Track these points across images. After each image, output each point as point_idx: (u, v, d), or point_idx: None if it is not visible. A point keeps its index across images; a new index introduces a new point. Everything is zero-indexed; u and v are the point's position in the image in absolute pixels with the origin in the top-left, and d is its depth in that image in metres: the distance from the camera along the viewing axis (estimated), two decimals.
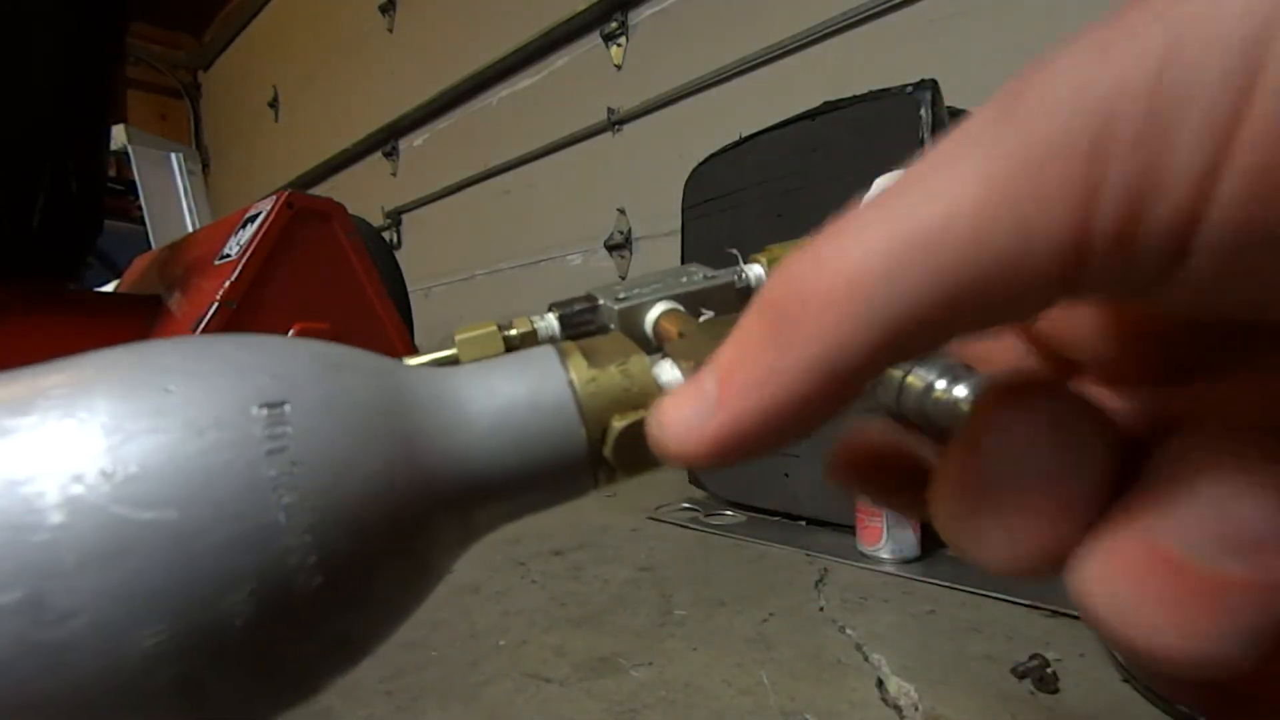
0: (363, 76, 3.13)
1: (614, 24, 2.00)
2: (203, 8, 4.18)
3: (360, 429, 0.13)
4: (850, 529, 0.94)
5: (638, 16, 1.97)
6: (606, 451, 0.16)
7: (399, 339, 1.15)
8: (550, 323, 0.24)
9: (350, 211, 1.15)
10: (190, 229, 1.93)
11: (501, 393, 0.16)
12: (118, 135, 1.83)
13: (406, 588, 0.15)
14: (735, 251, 0.28)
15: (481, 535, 0.16)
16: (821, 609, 0.74)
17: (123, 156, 1.94)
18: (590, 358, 0.17)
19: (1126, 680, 0.55)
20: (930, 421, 0.16)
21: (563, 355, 0.17)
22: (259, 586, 0.12)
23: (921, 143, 0.94)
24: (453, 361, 0.23)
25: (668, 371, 0.17)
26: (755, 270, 0.26)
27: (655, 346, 0.23)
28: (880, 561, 0.86)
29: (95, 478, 0.11)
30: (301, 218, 1.04)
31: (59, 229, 0.96)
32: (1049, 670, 0.57)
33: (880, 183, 0.29)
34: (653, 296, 0.24)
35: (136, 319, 1.03)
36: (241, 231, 1.02)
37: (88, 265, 1.17)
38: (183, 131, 4.60)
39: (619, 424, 0.16)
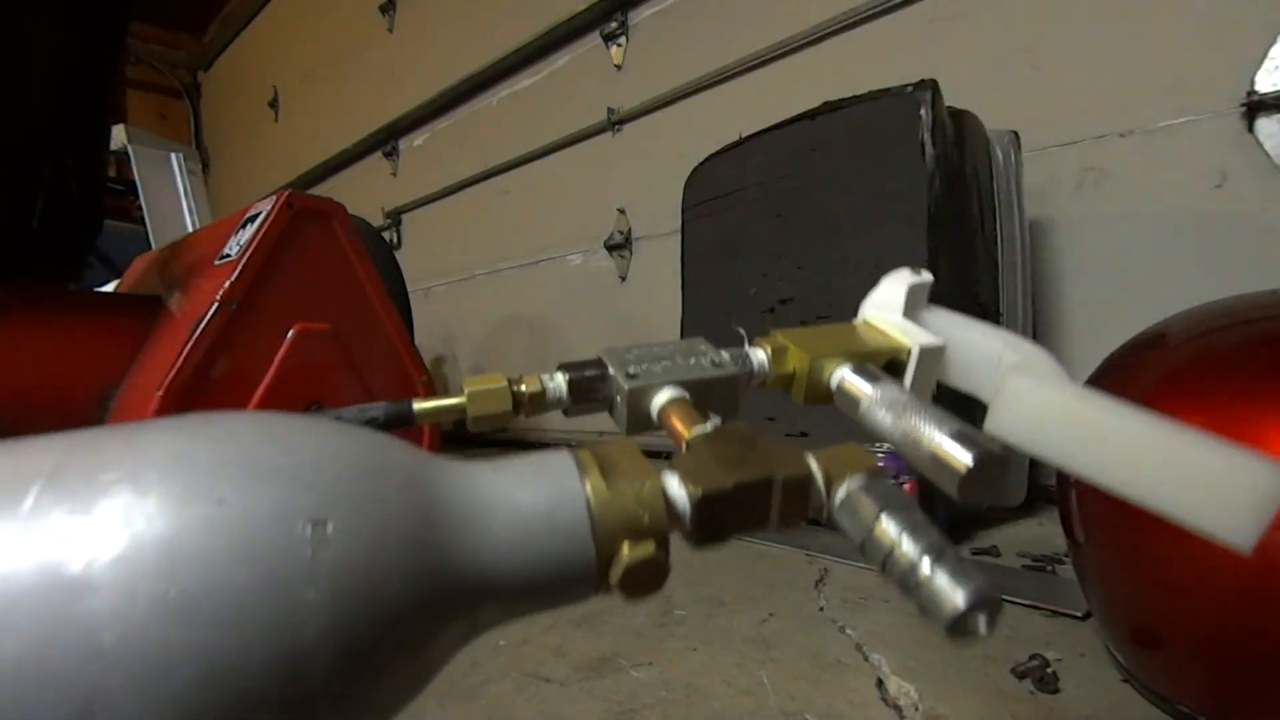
0: (363, 76, 3.13)
1: (614, 24, 2.00)
2: (203, 8, 4.17)
3: (394, 546, 0.14)
4: None
5: (638, 16, 1.97)
6: (613, 579, 0.17)
7: (399, 339, 1.15)
8: (559, 384, 0.24)
9: (350, 211, 1.15)
10: (190, 229, 1.93)
11: (523, 506, 0.16)
12: (118, 135, 1.83)
13: (411, 685, 0.16)
14: (742, 331, 0.29)
15: (481, 634, 0.17)
16: (821, 609, 0.74)
17: (123, 156, 1.94)
18: (607, 475, 0.17)
19: (1126, 680, 0.55)
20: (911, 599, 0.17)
21: (581, 469, 0.17)
22: (283, 712, 0.12)
23: (921, 143, 0.94)
24: (460, 412, 0.23)
25: (675, 489, 0.18)
26: (759, 356, 0.27)
27: (657, 426, 0.24)
28: None
29: (147, 600, 0.12)
30: (301, 218, 1.04)
31: (59, 229, 0.96)
32: (1049, 670, 0.57)
33: (887, 280, 0.29)
34: (661, 380, 0.24)
35: (136, 319, 1.03)
36: (241, 231, 1.02)
37: (88, 265, 1.17)
38: (183, 131, 4.60)
39: (628, 556, 0.17)
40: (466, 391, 0.24)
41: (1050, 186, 1.22)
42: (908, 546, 0.17)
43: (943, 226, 0.93)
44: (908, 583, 0.17)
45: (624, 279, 2.03)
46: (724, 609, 0.75)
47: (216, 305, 0.93)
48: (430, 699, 0.59)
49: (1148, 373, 0.53)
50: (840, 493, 0.20)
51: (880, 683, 0.57)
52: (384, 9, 2.94)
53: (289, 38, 3.70)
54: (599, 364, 0.25)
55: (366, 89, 3.09)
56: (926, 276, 0.29)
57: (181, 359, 0.90)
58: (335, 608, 0.13)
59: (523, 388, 0.24)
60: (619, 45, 2.01)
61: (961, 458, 0.20)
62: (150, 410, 0.87)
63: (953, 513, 0.93)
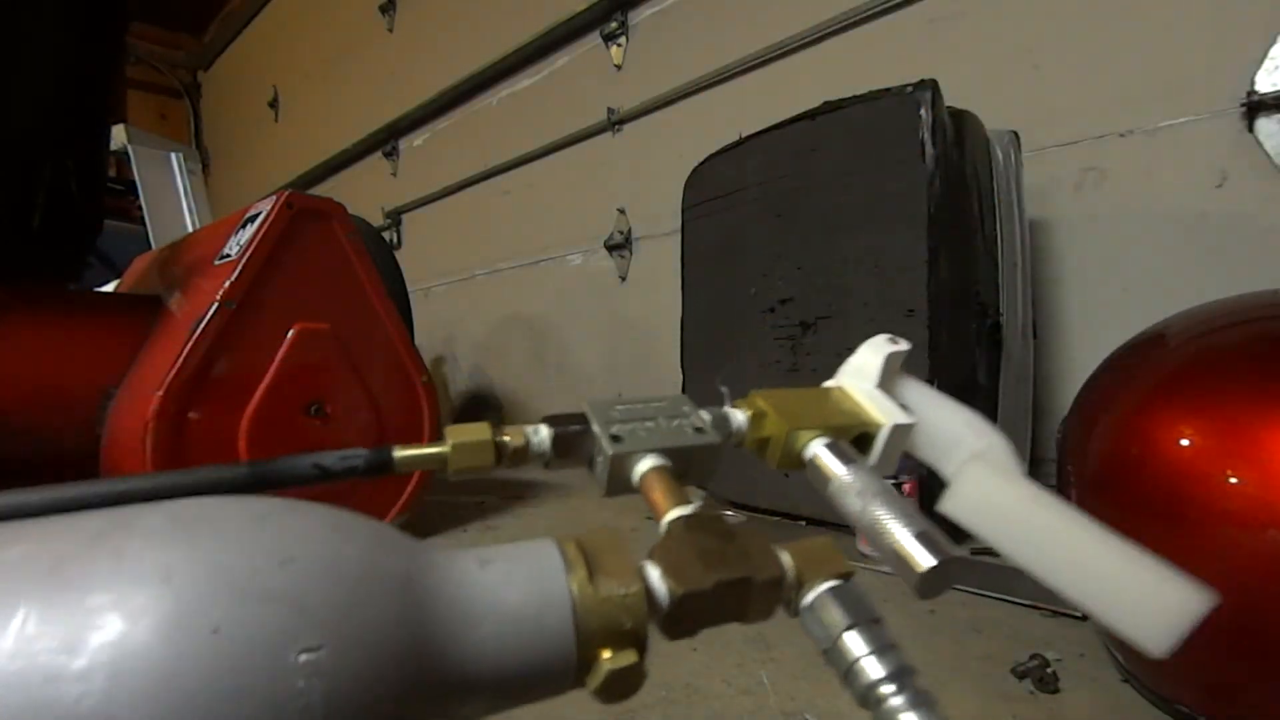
0: (363, 76, 3.13)
1: (614, 24, 2.00)
2: (203, 8, 4.17)
3: (386, 667, 0.14)
4: (850, 529, 0.94)
5: (638, 16, 1.97)
6: (592, 685, 0.17)
7: (399, 339, 1.15)
8: (543, 438, 0.25)
9: (350, 211, 1.15)
10: (190, 229, 1.93)
11: (510, 609, 0.17)
12: (118, 135, 1.83)
13: None
14: (724, 390, 0.30)
15: None
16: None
17: (123, 156, 1.94)
18: (593, 573, 0.18)
19: (1126, 680, 0.55)
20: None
21: (568, 567, 0.18)
22: None
23: (921, 143, 0.94)
24: (442, 461, 0.23)
25: (657, 582, 0.19)
26: (738, 419, 0.28)
27: (637, 490, 0.24)
28: (880, 562, 0.86)
29: None
30: (301, 218, 1.04)
31: (59, 229, 0.96)
32: (1049, 670, 0.57)
33: (866, 347, 0.30)
34: (644, 446, 0.24)
35: (136, 319, 1.03)
36: (241, 231, 1.02)
37: (88, 265, 1.17)
38: (183, 131, 4.60)
39: (608, 665, 0.17)
40: (450, 443, 0.23)
41: (1050, 186, 1.22)
42: (869, 666, 0.18)
43: (943, 226, 0.93)
44: (868, 700, 0.18)
45: (624, 279, 2.03)
46: None
47: (216, 305, 0.93)
48: None
49: (1148, 373, 0.53)
50: (809, 596, 0.20)
51: None
52: (384, 9, 2.94)
53: (289, 38, 3.70)
54: (583, 419, 0.25)
55: (366, 89, 3.09)
56: (904, 345, 0.30)
57: (181, 359, 0.90)
58: None
59: (506, 439, 0.24)
60: (619, 45, 2.01)
61: (922, 560, 0.21)
62: (150, 410, 0.87)
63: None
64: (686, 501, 0.22)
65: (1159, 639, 0.22)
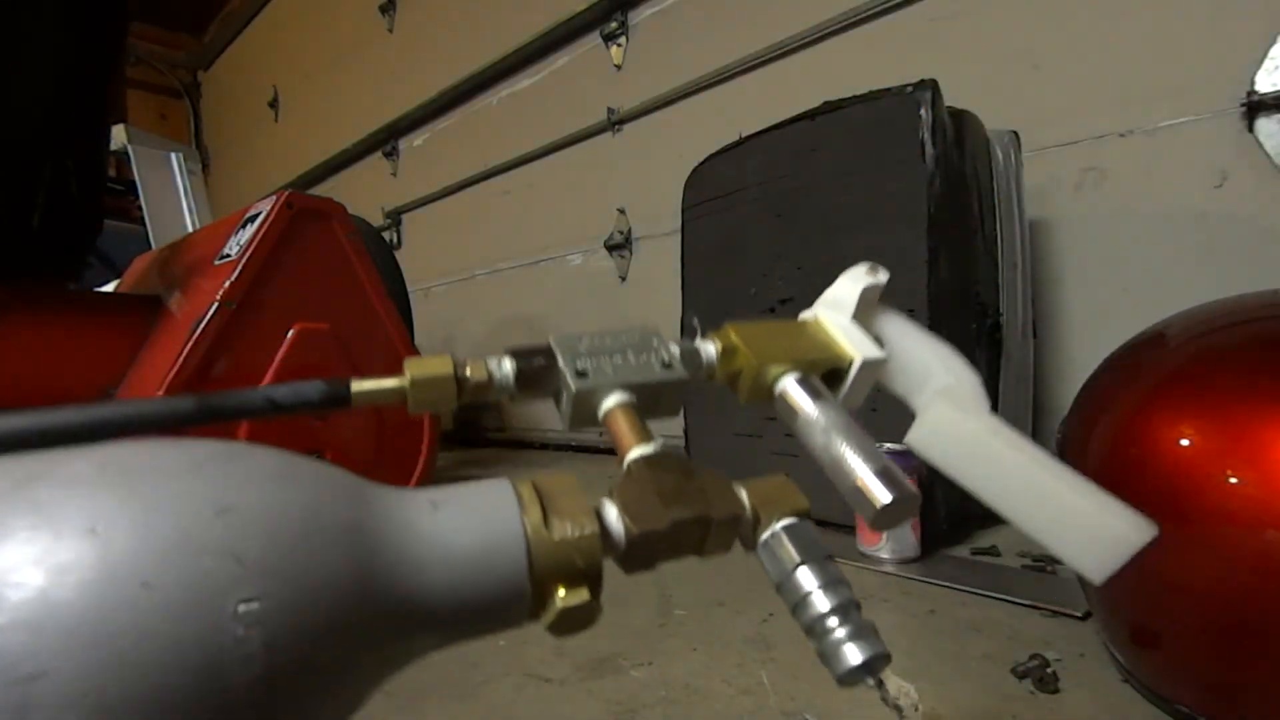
0: (363, 76, 3.13)
1: (614, 24, 2.00)
2: (203, 8, 4.17)
3: (329, 612, 0.14)
4: (850, 529, 0.94)
5: (638, 16, 1.97)
6: (545, 622, 0.18)
7: (399, 339, 1.15)
8: (507, 372, 0.24)
9: (350, 211, 1.15)
10: (190, 229, 1.93)
11: (462, 550, 0.16)
12: (118, 135, 1.83)
13: (341, 715, 0.15)
14: (696, 323, 0.29)
15: (414, 660, 0.17)
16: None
17: (123, 156, 1.94)
18: (547, 514, 0.18)
19: (1126, 680, 0.55)
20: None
21: (522, 507, 0.18)
22: None
23: (921, 143, 0.94)
24: (401, 396, 0.22)
25: (614, 521, 0.19)
26: (709, 351, 0.27)
27: (601, 425, 0.24)
28: (880, 561, 0.86)
29: (66, 696, 0.11)
30: (301, 218, 1.04)
31: (59, 229, 0.96)
32: (1049, 670, 0.57)
33: (845, 277, 0.30)
34: (610, 382, 0.24)
35: (136, 319, 1.03)
36: (241, 231, 1.02)
37: (88, 265, 1.17)
38: (183, 131, 4.60)
39: (562, 601, 0.17)
40: (409, 375, 0.22)
41: (1050, 186, 1.22)
42: (817, 599, 0.19)
43: (943, 226, 0.93)
44: (813, 630, 0.19)
45: (624, 279, 2.03)
46: (724, 609, 0.75)
47: (216, 305, 0.93)
48: (430, 699, 0.59)
49: (1148, 373, 0.53)
50: (765, 534, 0.21)
51: (880, 683, 0.57)
52: (384, 9, 2.94)
53: (289, 38, 3.70)
54: (548, 352, 0.25)
55: (366, 89, 3.09)
56: (882, 277, 0.30)
57: (181, 359, 0.90)
58: (269, 686, 0.12)
59: (468, 373, 0.23)
60: (619, 45, 2.01)
61: (880, 495, 0.22)
62: None
63: (952, 512, 0.93)
64: (650, 439, 0.22)
65: (1098, 567, 0.23)
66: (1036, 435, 1.13)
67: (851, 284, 0.30)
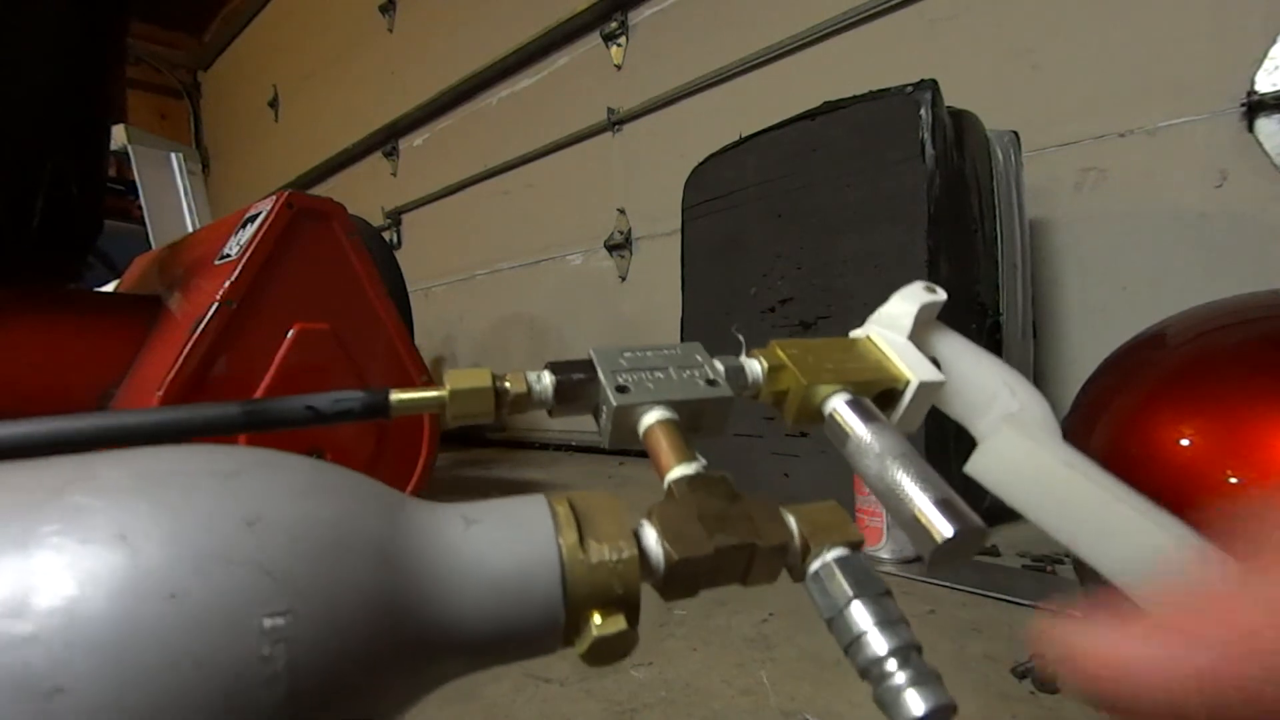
0: (363, 76, 3.13)
1: (614, 24, 2.00)
2: (203, 8, 4.17)
3: (357, 632, 0.14)
4: None
5: (638, 16, 1.97)
6: (580, 649, 0.17)
7: (399, 339, 1.15)
8: (546, 385, 0.24)
9: (350, 211, 1.15)
10: (190, 229, 1.93)
11: (496, 571, 0.16)
12: (118, 135, 1.83)
13: None
14: (741, 337, 0.28)
15: (441, 685, 0.17)
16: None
17: (123, 156, 1.94)
18: (584, 535, 0.17)
19: None
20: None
21: (558, 528, 0.17)
22: None
23: (921, 143, 0.94)
24: (440, 405, 0.22)
25: (653, 545, 0.18)
26: (754, 369, 0.26)
27: (641, 443, 0.23)
28: (880, 562, 0.86)
29: (88, 712, 0.11)
30: (301, 218, 1.04)
31: (59, 229, 0.96)
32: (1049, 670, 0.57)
33: (899, 296, 0.29)
34: (651, 398, 0.23)
35: (136, 319, 1.03)
36: (241, 231, 1.02)
37: (88, 265, 1.17)
38: (183, 131, 4.60)
39: (598, 629, 0.16)
40: (449, 387, 0.22)
41: (1050, 186, 1.22)
42: (874, 640, 0.18)
43: (943, 226, 0.93)
44: (869, 674, 0.18)
45: (624, 279, 2.03)
46: (724, 609, 0.75)
47: (216, 305, 0.93)
48: (430, 699, 0.59)
49: (1148, 373, 0.53)
50: (815, 564, 0.20)
51: None
52: (384, 9, 2.94)
53: (289, 38, 3.70)
54: (589, 366, 0.24)
55: (366, 89, 3.09)
56: (940, 295, 0.29)
57: (181, 359, 0.90)
58: (294, 709, 0.12)
59: (508, 385, 0.23)
60: (619, 45, 2.01)
61: (942, 528, 0.20)
62: None
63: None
64: (692, 459, 0.21)
65: None
66: None
67: (906, 303, 0.28)
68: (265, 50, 3.93)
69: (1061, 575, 0.80)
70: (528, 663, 0.59)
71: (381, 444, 1.10)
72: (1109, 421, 0.53)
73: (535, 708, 0.57)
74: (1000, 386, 0.27)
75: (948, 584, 0.79)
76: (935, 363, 0.27)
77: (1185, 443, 0.45)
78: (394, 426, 1.10)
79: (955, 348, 0.29)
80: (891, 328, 0.28)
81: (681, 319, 1.34)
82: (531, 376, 0.24)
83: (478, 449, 2.32)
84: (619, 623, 0.17)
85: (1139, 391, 0.52)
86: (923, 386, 0.26)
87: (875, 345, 0.28)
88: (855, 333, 0.29)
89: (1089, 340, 1.19)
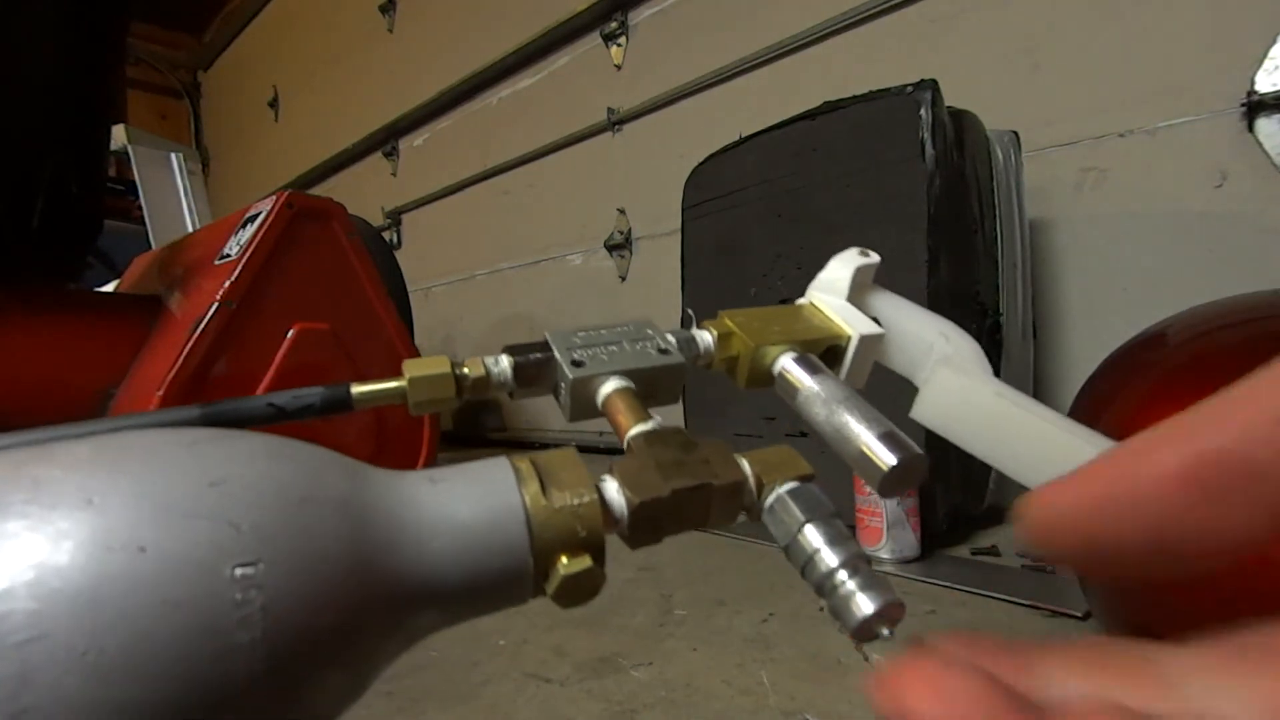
0: (363, 76, 3.13)
1: (614, 24, 2.00)
2: (203, 8, 4.17)
3: (327, 578, 0.14)
4: (850, 529, 0.94)
5: (638, 16, 1.97)
6: (549, 590, 0.17)
7: (399, 339, 1.15)
8: (504, 368, 0.24)
9: (350, 211, 1.15)
10: (190, 229, 1.93)
11: (461, 521, 0.17)
12: (118, 135, 1.83)
13: (349, 696, 0.15)
14: (690, 311, 0.29)
15: (418, 640, 0.17)
16: (821, 609, 0.74)
17: (123, 156, 1.94)
18: (546, 486, 0.18)
19: None
20: (829, 609, 0.18)
21: (520, 481, 0.18)
22: None
23: (921, 143, 0.94)
24: (401, 395, 0.23)
25: (614, 494, 0.19)
26: (705, 339, 0.27)
27: (601, 413, 0.24)
28: (880, 562, 0.87)
29: (63, 662, 0.11)
30: (301, 218, 1.04)
31: (59, 229, 0.96)
32: None
33: (835, 261, 0.31)
34: (606, 369, 0.24)
35: (136, 319, 1.03)
36: (241, 231, 1.02)
37: (88, 265, 1.17)
38: (183, 131, 4.60)
39: (565, 569, 0.17)
40: (407, 376, 0.23)
41: (1050, 186, 1.22)
42: (826, 555, 0.19)
43: (943, 226, 0.93)
44: (823, 587, 0.19)
45: (624, 279, 2.03)
46: (724, 609, 0.75)
47: (216, 305, 0.93)
48: (430, 699, 0.59)
49: (1148, 373, 0.53)
50: (770, 498, 0.21)
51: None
52: (384, 9, 2.94)
53: (289, 38, 3.70)
54: (544, 347, 0.25)
55: (366, 89, 3.09)
56: (873, 258, 0.30)
57: (181, 359, 0.90)
58: (269, 646, 0.13)
59: (466, 371, 0.24)
60: (619, 45, 2.01)
61: (885, 458, 0.21)
62: (150, 410, 0.87)
63: (953, 513, 0.93)
64: (648, 419, 0.22)
65: None
66: None
67: (842, 267, 0.30)
68: (265, 50, 3.93)
69: (1061, 575, 0.80)
70: (528, 663, 0.59)
71: (382, 444, 1.10)
72: (1109, 421, 0.53)
73: (535, 708, 0.57)
74: (936, 336, 0.29)
75: (948, 584, 0.79)
76: (876, 321, 0.29)
77: None
78: (394, 427, 1.10)
79: (892, 304, 0.31)
80: (830, 291, 0.30)
81: (681, 319, 1.34)
82: (489, 360, 0.24)
83: (478, 449, 2.32)
84: (585, 561, 0.17)
85: (1139, 391, 0.52)
86: (864, 340, 0.28)
87: (817, 309, 0.29)
88: (798, 301, 0.31)
89: (1089, 340, 1.19)
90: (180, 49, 4.50)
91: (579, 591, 0.17)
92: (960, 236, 0.97)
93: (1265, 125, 1.02)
